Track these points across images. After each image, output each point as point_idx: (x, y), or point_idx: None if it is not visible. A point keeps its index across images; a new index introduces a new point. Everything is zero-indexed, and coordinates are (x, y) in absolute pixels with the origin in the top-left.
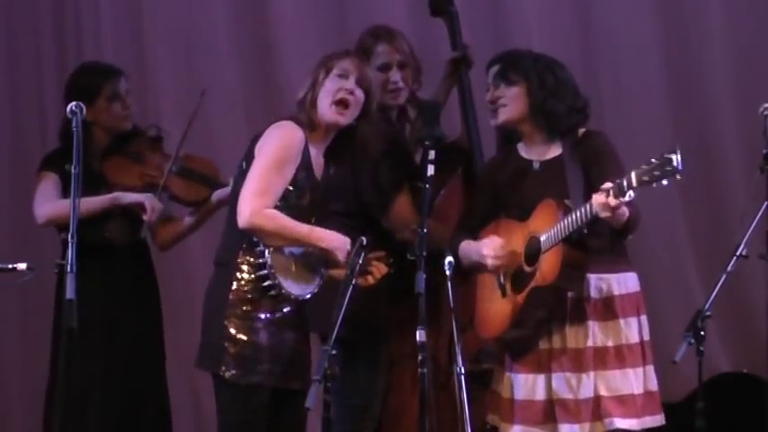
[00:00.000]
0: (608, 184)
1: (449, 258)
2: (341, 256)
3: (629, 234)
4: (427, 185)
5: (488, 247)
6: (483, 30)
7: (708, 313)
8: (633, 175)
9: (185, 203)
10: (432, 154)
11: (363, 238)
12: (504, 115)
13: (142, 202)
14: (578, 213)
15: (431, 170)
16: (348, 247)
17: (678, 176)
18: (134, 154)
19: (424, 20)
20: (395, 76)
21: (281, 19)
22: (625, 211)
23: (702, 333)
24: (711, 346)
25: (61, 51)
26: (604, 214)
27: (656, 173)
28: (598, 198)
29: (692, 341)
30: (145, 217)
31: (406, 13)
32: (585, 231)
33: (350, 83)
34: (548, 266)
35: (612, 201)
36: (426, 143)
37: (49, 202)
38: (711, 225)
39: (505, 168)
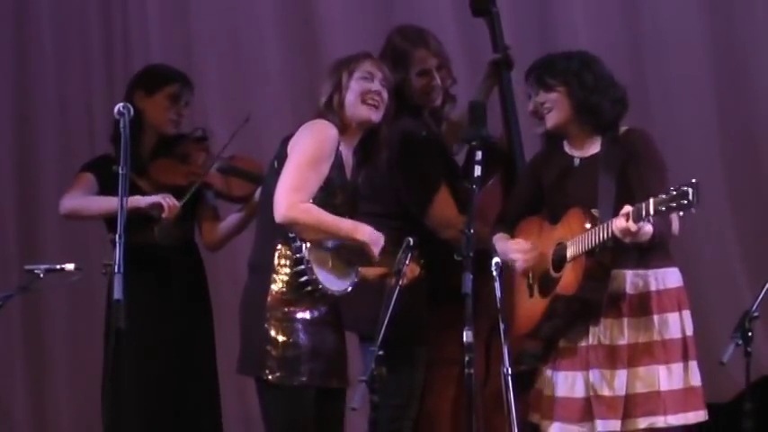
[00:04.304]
0: (627, 208)
1: (496, 259)
2: (376, 251)
3: (657, 248)
4: (474, 186)
5: (516, 251)
6: (529, 30)
7: (755, 314)
8: (651, 202)
9: (230, 200)
10: (479, 154)
11: (410, 239)
12: (551, 121)
13: (158, 201)
14: (600, 231)
15: (478, 171)
16: (382, 242)
17: (693, 210)
18: (180, 155)
19: (470, 19)
20: (435, 80)
21: (328, 19)
22: (648, 231)
23: (750, 334)
24: (759, 346)
25: (108, 54)
26: (625, 239)
27: (672, 204)
28: (618, 222)
29: (740, 342)
30: (163, 215)
31: (453, 12)
32: (610, 245)
33: (376, 84)
34: (570, 278)
35: (632, 225)
36: (473, 143)
37: (76, 197)
38: (759, 224)
39: (550, 164)
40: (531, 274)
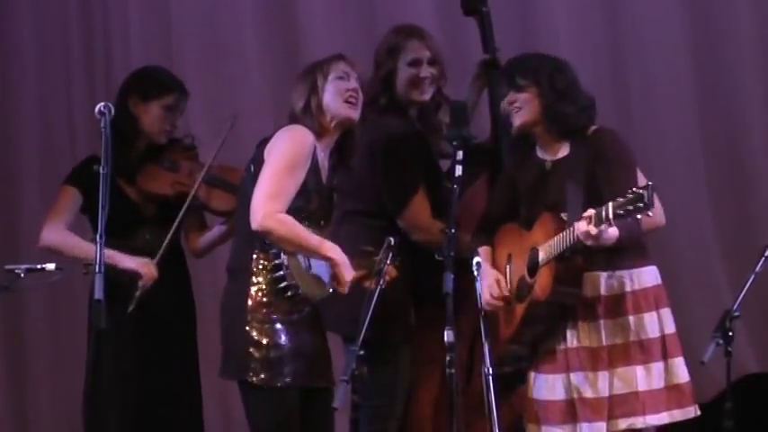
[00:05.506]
0: (590, 212)
1: (477, 259)
2: (347, 276)
3: (624, 251)
4: (455, 186)
5: (487, 289)
6: (510, 32)
7: (736, 314)
8: (610, 206)
9: (215, 213)
10: (460, 154)
11: (391, 239)
12: (519, 119)
13: (137, 270)
14: (567, 235)
15: (459, 170)
16: (352, 271)
17: (650, 213)
18: (168, 162)
19: (452, 20)
20: (425, 71)
21: (310, 20)
22: (612, 235)
23: (731, 333)
24: (740, 346)
25: (89, 54)
26: (588, 242)
27: (630, 207)
28: (580, 226)
29: (721, 341)
30: (140, 283)
31: (435, 14)
32: (580, 248)
33: (352, 82)
34: (543, 282)
35: (593, 229)
36: (454, 143)
37: (57, 231)
38: (739, 225)
39: (524, 168)
40: (509, 280)
